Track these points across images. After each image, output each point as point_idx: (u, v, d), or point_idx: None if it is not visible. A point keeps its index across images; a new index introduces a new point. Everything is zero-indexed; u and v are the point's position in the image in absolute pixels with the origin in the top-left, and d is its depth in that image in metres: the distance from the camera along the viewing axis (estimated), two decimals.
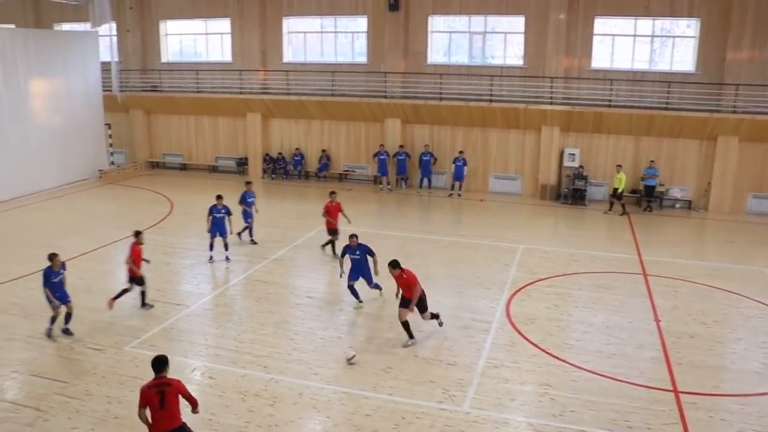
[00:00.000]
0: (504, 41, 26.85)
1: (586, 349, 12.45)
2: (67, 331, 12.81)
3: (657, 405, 10.46)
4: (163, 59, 31.68)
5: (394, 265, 12.46)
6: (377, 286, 14.69)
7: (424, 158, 26.38)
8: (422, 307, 12.60)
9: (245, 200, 18.96)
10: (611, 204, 23.64)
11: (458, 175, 25.85)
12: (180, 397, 8.33)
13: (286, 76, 28.56)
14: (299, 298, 15.04)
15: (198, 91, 29.85)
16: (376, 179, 27.64)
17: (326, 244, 18.09)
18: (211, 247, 17.52)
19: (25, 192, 25.18)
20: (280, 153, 29.18)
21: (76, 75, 28.01)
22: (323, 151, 28.47)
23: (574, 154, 25.03)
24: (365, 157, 28.08)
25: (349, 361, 11.70)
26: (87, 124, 28.58)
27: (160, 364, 8.25)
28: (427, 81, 26.59)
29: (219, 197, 17.65)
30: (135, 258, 13.99)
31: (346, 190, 26.50)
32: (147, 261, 14.53)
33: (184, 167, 31.31)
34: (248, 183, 19.55)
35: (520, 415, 10.17)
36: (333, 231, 17.86)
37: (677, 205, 24.62)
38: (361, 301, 14.47)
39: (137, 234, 14.27)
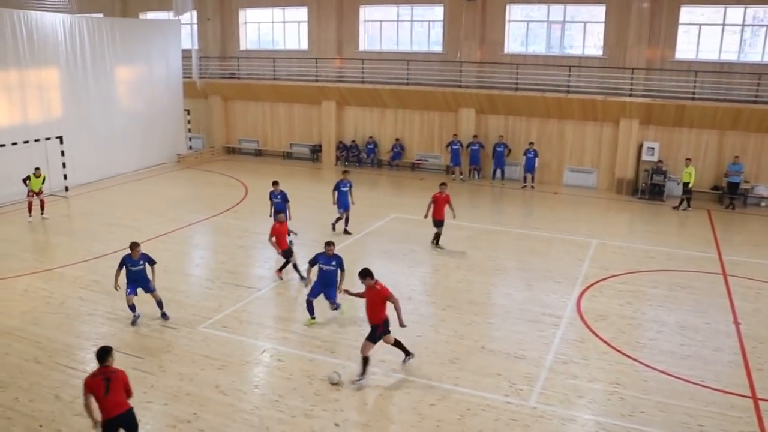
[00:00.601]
0: (583, 31, 26.21)
1: (659, 349, 12.08)
2: (164, 316, 13.12)
3: (733, 411, 10.07)
4: (242, 47, 32.32)
5: (364, 274, 10.85)
6: (338, 306, 13.15)
7: (498, 149, 26.08)
8: (386, 330, 10.93)
9: (339, 189, 18.80)
10: (688, 201, 22.75)
11: (529, 167, 25.42)
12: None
13: (362, 64, 28.68)
14: None
15: (274, 79, 30.32)
16: (448, 169, 27.51)
17: (436, 239, 17.81)
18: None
19: (108, 174, 26.24)
20: (353, 141, 29.38)
21: (158, 62, 28.92)
22: (397, 139, 28.50)
23: (653, 148, 24.23)
24: (438, 147, 27.97)
25: (332, 382, 10.65)
26: (167, 109, 29.52)
27: (104, 353, 8.37)
28: (503, 71, 26.22)
29: (275, 183, 17.92)
30: (277, 235, 14.96)
31: (418, 180, 26.51)
32: (294, 233, 16.07)
33: (259, 153, 31.92)
34: (345, 172, 19.31)
35: (588, 413, 9.96)
36: (439, 222, 17.56)
37: (763, 204, 23.55)
38: (314, 318, 12.95)
39: (277, 213, 15.61)
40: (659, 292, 14.98)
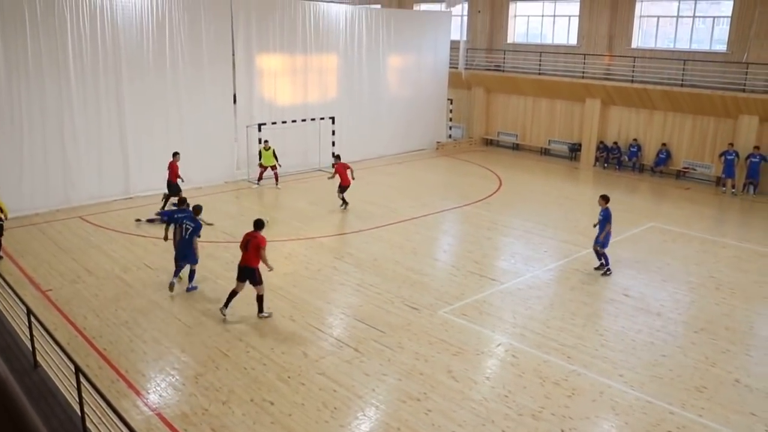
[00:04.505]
0: None
1: None
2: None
3: None
4: (509, 40, 32.31)
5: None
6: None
7: None
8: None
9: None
10: None
11: None
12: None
13: (633, 62, 27.21)
14: (616, 294, 14.44)
15: (539, 73, 29.92)
16: (719, 181, 25.15)
17: None
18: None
19: (370, 155, 27.91)
20: (615, 142, 28.05)
21: (427, 52, 30.00)
22: (663, 144, 26.67)
23: None
24: (710, 156, 25.65)
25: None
26: (431, 98, 30.58)
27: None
28: None
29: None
30: None
31: (683, 189, 24.67)
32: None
33: (516, 147, 31.80)
34: (603, 197, 15.81)
35: None
36: None
37: None
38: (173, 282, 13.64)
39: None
40: None
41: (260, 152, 22.45)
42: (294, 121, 24.43)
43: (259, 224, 12.48)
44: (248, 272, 12.38)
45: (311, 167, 25.46)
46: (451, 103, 32.17)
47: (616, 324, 12.89)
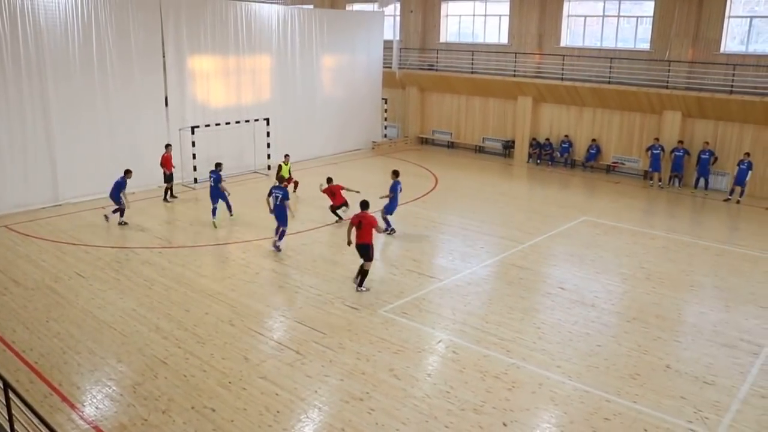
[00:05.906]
0: None
1: None
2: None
3: None
4: (442, 39, 32.66)
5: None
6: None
7: (702, 156, 24.18)
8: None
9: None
10: None
11: (740, 180, 23.14)
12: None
13: (562, 60, 27.88)
14: (551, 287, 14.77)
15: (472, 72, 30.35)
16: (646, 174, 26.04)
17: None
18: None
19: (306, 156, 27.76)
20: (547, 139, 28.70)
21: (360, 52, 30.06)
22: (593, 140, 27.43)
23: None
24: (637, 151, 26.53)
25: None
26: (366, 98, 30.65)
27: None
28: (718, 71, 24.23)
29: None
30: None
31: (612, 183, 25.40)
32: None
33: (451, 145, 32.17)
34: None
35: None
36: None
37: None
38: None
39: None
40: None
41: (280, 166, 21.71)
42: (228, 123, 24.11)
43: (365, 205, 13.99)
44: (364, 248, 13.82)
45: (246, 169, 25.18)
46: (386, 103, 32.33)
47: (553, 317, 13.18)
